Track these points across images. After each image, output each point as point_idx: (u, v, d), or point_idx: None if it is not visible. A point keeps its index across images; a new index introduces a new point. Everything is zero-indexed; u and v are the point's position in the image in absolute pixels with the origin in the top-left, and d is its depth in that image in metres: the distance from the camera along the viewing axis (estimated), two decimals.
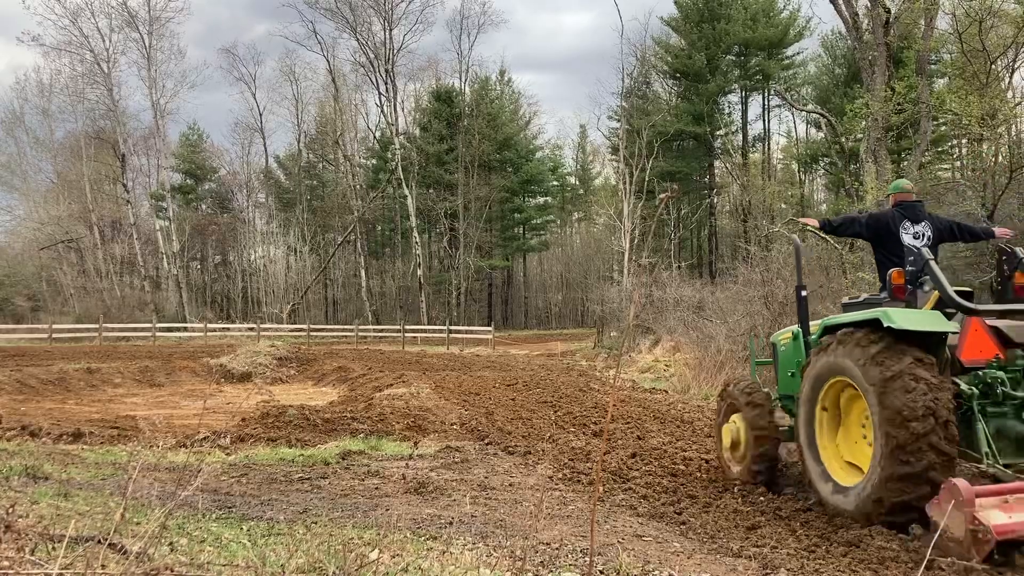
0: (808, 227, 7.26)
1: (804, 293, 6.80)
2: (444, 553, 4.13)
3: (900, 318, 5.05)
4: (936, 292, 5.40)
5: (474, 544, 4.52)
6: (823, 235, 7.34)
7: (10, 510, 3.23)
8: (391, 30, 48.41)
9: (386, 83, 48.85)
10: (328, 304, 59.07)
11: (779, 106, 52.06)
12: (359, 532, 4.67)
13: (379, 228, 59.86)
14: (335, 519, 5.14)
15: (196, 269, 61.31)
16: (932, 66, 27.45)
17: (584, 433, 10.33)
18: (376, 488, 6.75)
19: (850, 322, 5.51)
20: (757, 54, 49.14)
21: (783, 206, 47.29)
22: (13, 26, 60.39)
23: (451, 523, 5.13)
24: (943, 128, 32.40)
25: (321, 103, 58.48)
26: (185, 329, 40.06)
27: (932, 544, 3.93)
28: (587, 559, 4.06)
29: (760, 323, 15.95)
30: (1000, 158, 14.57)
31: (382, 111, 50.99)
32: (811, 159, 50.47)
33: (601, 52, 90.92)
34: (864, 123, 21.39)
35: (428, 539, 4.61)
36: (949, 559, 4.39)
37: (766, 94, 51.78)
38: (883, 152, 20.37)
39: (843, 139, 26.28)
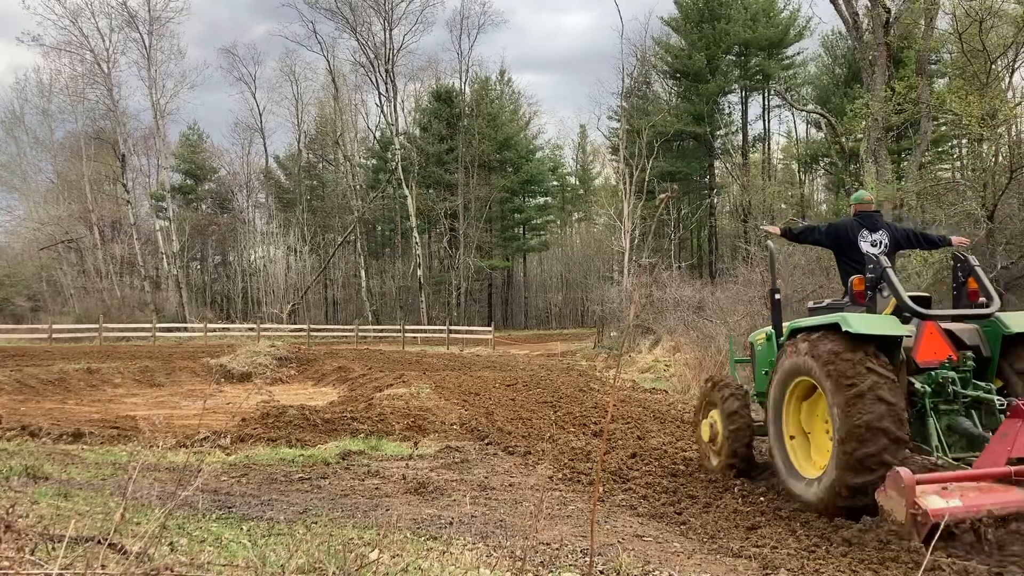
0: (771, 234, 7.81)
1: (778, 296, 7.15)
2: (444, 553, 4.13)
3: (857, 322, 5.41)
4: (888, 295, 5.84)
5: (474, 544, 4.52)
6: (786, 240, 7.77)
7: (10, 510, 3.23)
8: (391, 30, 48.45)
9: (386, 83, 48.88)
10: (328, 304, 59.07)
11: (779, 106, 52.09)
12: (359, 532, 4.67)
13: (379, 228, 59.85)
14: (335, 519, 5.14)
15: (196, 269, 61.29)
16: (932, 66, 27.45)
17: (584, 433, 10.33)
18: (376, 488, 6.75)
19: (813, 325, 5.87)
20: (757, 54, 49.13)
21: (783, 206, 47.28)
22: (13, 26, 60.39)
23: (451, 523, 5.13)
24: (943, 128, 32.37)
25: (321, 103, 58.51)
26: (185, 329, 40.05)
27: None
28: (587, 559, 4.06)
29: (760, 323, 15.95)
30: (1000, 158, 14.56)
31: (382, 111, 51.04)
32: (811, 159, 50.46)
33: (601, 52, 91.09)
34: (864, 123, 21.39)
35: (428, 539, 4.61)
36: (950, 559, 4.46)
37: (766, 94, 51.79)
38: (883, 152, 20.37)
39: (843, 139, 26.29)
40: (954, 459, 5.36)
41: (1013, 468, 4.80)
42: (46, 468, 6.69)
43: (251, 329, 37.38)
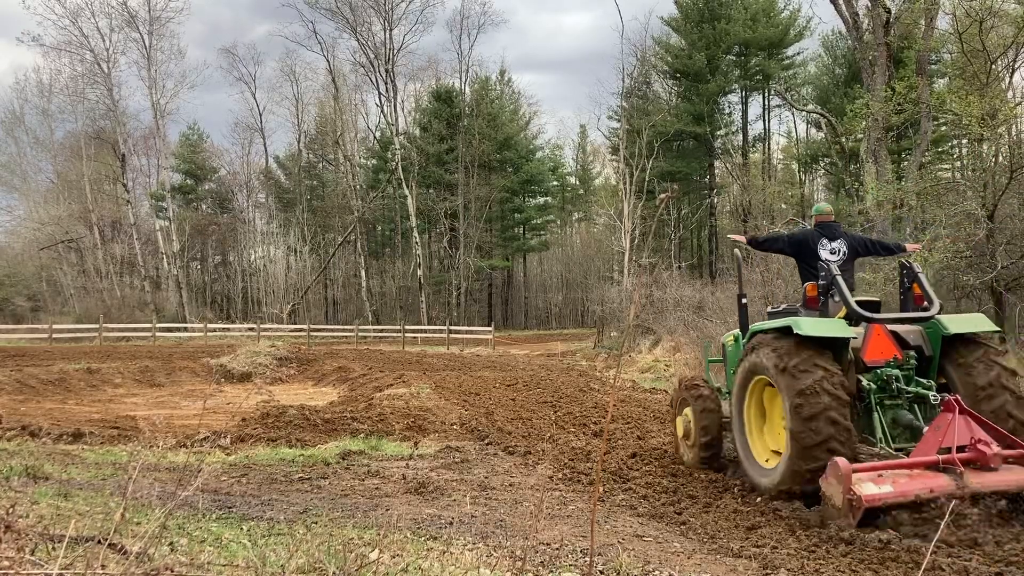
0: (737, 242, 8.10)
1: (744, 301, 7.66)
2: (444, 553, 4.13)
3: (807, 326, 5.90)
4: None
5: (474, 544, 4.52)
6: (751, 249, 8.36)
7: (10, 510, 3.23)
8: (391, 30, 48.45)
9: (386, 83, 48.88)
10: (328, 304, 59.06)
11: (779, 106, 52.09)
12: (359, 532, 4.68)
13: (379, 228, 59.85)
14: (335, 519, 5.14)
15: (196, 269, 61.30)
16: (932, 66, 27.46)
17: (584, 433, 10.33)
18: (376, 488, 6.75)
19: (770, 328, 6.35)
20: (757, 54, 49.12)
21: (783, 206, 47.28)
22: (14, 26, 60.36)
23: (451, 523, 5.13)
24: (943, 128, 32.37)
25: (321, 103, 58.51)
26: (185, 329, 40.05)
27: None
28: (587, 559, 4.06)
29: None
30: (1000, 158, 14.55)
31: (382, 111, 51.04)
32: (811, 159, 50.47)
33: (601, 52, 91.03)
34: (864, 123, 21.38)
35: (428, 539, 4.62)
36: (950, 559, 4.48)
37: (766, 94, 51.79)
38: (883, 152, 20.37)
39: (843, 139, 26.29)
40: (896, 449, 5.77)
41: (941, 457, 5.21)
42: (46, 468, 6.69)
43: (251, 329, 37.38)
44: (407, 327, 38.90)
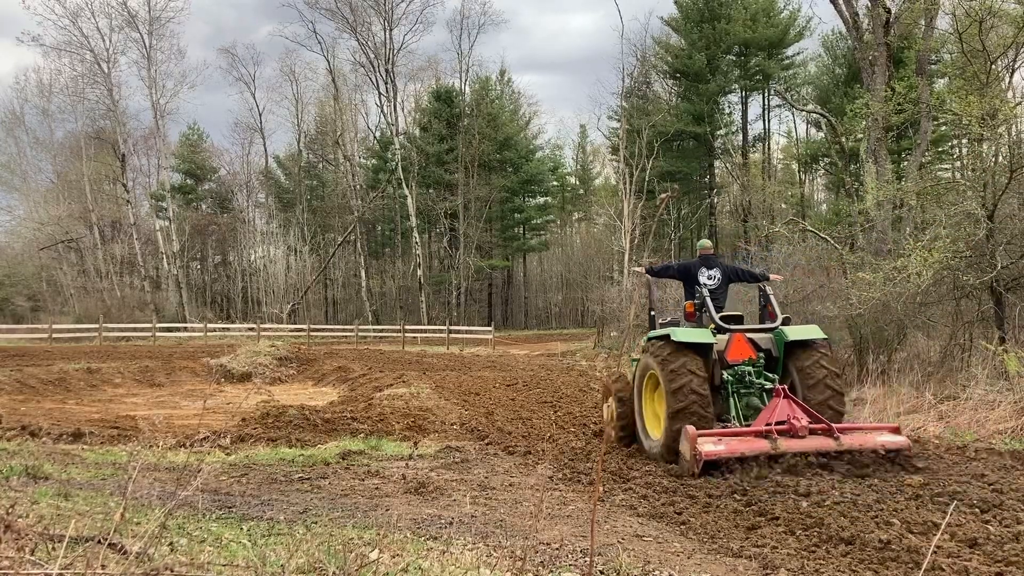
0: (637, 271, 10.42)
1: (653, 313, 9.25)
2: (444, 553, 4.13)
3: (680, 334, 7.79)
4: (718, 315, 8.26)
5: (474, 544, 4.52)
6: (650, 275, 9.84)
7: (10, 510, 3.23)
8: (391, 30, 48.45)
9: (386, 83, 48.87)
10: (328, 304, 59.05)
11: (779, 106, 52.06)
12: (359, 532, 4.68)
13: (379, 228, 59.83)
14: (335, 519, 5.14)
15: (196, 269, 61.29)
16: (932, 66, 27.45)
17: (584, 433, 10.33)
18: (376, 488, 6.75)
19: (657, 335, 8.24)
20: (757, 54, 49.10)
21: (783, 206, 47.29)
22: (14, 26, 60.37)
23: (451, 523, 5.13)
24: (943, 128, 32.41)
25: (321, 103, 58.51)
26: (185, 329, 40.06)
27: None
28: (587, 559, 4.06)
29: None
30: (1000, 158, 14.53)
31: (382, 111, 51.04)
32: (811, 159, 50.44)
33: (602, 52, 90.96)
34: (864, 123, 21.37)
35: (428, 539, 4.61)
36: (950, 559, 4.50)
37: (766, 94, 51.77)
38: (883, 152, 20.34)
39: (843, 139, 26.28)
40: (745, 424, 7.57)
41: (764, 428, 7.05)
42: (46, 468, 6.69)
43: (251, 329, 37.38)
44: (407, 327, 38.90)
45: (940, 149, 40.60)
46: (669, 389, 7.52)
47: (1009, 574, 4.33)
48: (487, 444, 9.45)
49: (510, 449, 9.08)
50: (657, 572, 4.15)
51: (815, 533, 5.20)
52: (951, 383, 11.42)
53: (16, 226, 53.01)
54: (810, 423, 7.08)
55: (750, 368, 7.91)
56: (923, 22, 20.16)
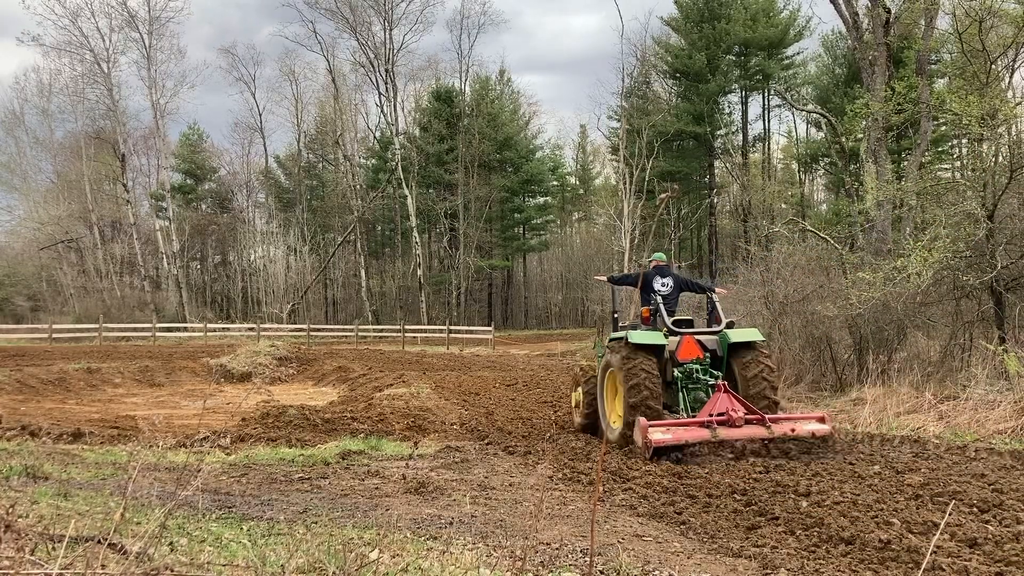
0: (601, 281, 12.08)
1: (616, 316, 10.34)
2: (444, 553, 4.13)
3: (635, 336, 8.81)
4: (671, 319, 9.36)
5: (474, 544, 4.52)
6: (611, 284, 11.19)
7: (10, 510, 3.23)
8: (391, 30, 48.44)
9: (386, 83, 48.86)
10: (328, 304, 59.03)
11: (779, 106, 52.07)
12: (359, 532, 4.68)
13: (379, 228, 59.82)
14: (335, 519, 5.14)
15: (196, 269, 61.27)
16: (932, 66, 27.44)
17: (584, 433, 10.33)
18: (376, 488, 6.75)
19: (617, 337, 9.36)
20: (757, 54, 49.08)
21: (783, 206, 47.31)
22: (15, 27, 60.38)
23: (451, 523, 5.13)
24: (943, 128, 32.38)
25: (321, 103, 58.49)
26: (185, 329, 40.05)
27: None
28: (587, 559, 4.06)
29: (760, 323, 15.94)
30: (1000, 158, 14.53)
31: (382, 111, 51.02)
32: (811, 159, 50.45)
33: (602, 53, 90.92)
34: (864, 123, 21.37)
35: (428, 539, 4.61)
36: (950, 559, 4.51)
37: (766, 94, 51.76)
38: (883, 152, 20.35)
39: (843, 139, 26.26)
40: (691, 416, 8.49)
41: (706, 418, 8.00)
42: (46, 468, 6.69)
43: (251, 329, 37.38)
44: (407, 327, 38.89)
45: (940, 149, 40.61)
46: (626, 385, 8.55)
47: (1009, 574, 4.33)
48: (487, 444, 9.45)
49: (510, 449, 9.08)
50: (657, 572, 4.15)
51: (815, 533, 5.20)
52: (951, 383, 11.42)
53: (16, 226, 53.07)
54: (746, 414, 8.08)
55: (697, 366, 8.96)
56: (923, 22, 20.16)
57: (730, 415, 7.97)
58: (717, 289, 10.85)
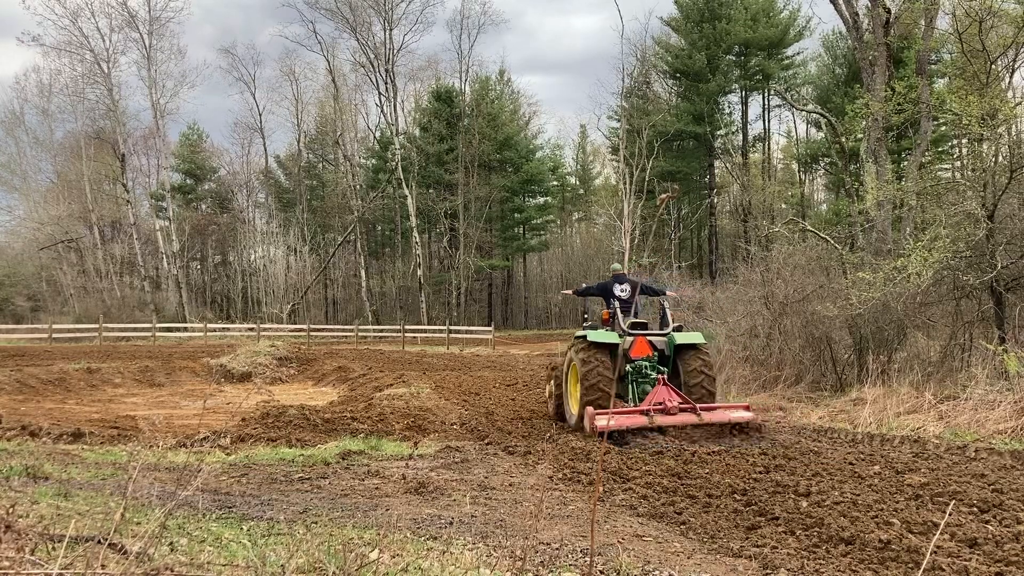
0: (565, 293, 14.20)
1: (587, 318, 11.96)
2: (444, 553, 4.13)
3: (593, 336, 10.22)
4: (628, 320, 10.63)
5: (474, 544, 4.52)
6: (576, 296, 12.27)
7: (10, 510, 3.23)
8: (391, 30, 48.47)
9: (386, 83, 48.87)
10: (328, 304, 59.02)
11: (779, 106, 52.08)
12: (359, 532, 4.68)
13: (379, 228, 59.81)
14: (335, 519, 5.14)
15: (196, 269, 61.28)
16: (932, 66, 27.43)
17: (584, 433, 10.32)
18: (376, 488, 6.75)
19: (579, 336, 10.65)
20: (757, 54, 49.09)
21: (783, 206, 47.32)
22: (15, 27, 60.40)
23: (451, 523, 5.13)
24: (943, 128, 32.37)
25: (321, 103, 58.48)
26: (185, 329, 40.05)
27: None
28: (587, 559, 4.06)
29: (760, 323, 15.94)
30: (1000, 158, 14.53)
31: (382, 111, 51.04)
32: (811, 159, 50.44)
33: (603, 53, 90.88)
34: (864, 123, 21.37)
35: (428, 539, 4.61)
36: (950, 559, 4.52)
37: (766, 94, 51.76)
38: (883, 152, 20.34)
39: (843, 139, 26.26)
40: (637, 405, 9.77)
41: (644, 407, 9.38)
42: (46, 468, 6.69)
43: (251, 329, 37.38)
44: (407, 327, 38.89)
45: (940, 149, 40.59)
46: (582, 377, 9.89)
47: (1009, 574, 4.33)
48: (487, 444, 9.45)
49: (510, 449, 9.08)
50: (657, 572, 4.15)
51: (815, 533, 5.20)
52: (951, 383, 11.42)
53: (16, 226, 53.05)
54: (680, 404, 9.43)
55: (647, 363, 10.25)
56: (923, 22, 20.15)
57: (666, 404, 9.30)
58: (669, 293, 12.37)
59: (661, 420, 9.15)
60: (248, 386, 18.36)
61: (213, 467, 7.44)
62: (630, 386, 10.21)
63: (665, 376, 10.02)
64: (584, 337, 10.29)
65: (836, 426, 10.62)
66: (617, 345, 10.15)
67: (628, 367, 10.25)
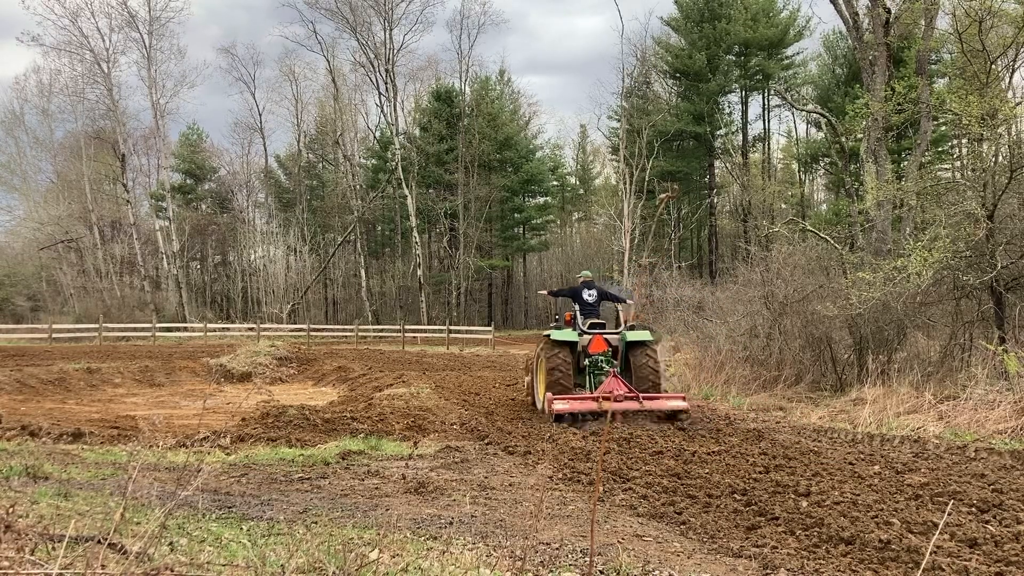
0: (541, 294, 16.53)
1: (557, 318, 13.08)
2: (444, 553, 4.13)
3: (556, 334, 11.71)
4: (588, 321, 12.13)
5: (474, 544, 4.52)
6: (552, 297, 14.22)
7: (10, 510, 3.23)
8: (391, 30, 48.45)
9: (386, 83, 48.85)
10: (328, 304, 59.01)
11: (779, 106, 52.03)
12: (359, 532, 4.68)
13: (379, 228, 59.78)
14: (335, 519, 5.14)
15: (196, 269, 61.25)
16: (932, 66, 27.44)
17: (584, 433, 10.32)
18: (376, 488, 6.74)
19: (546, 333, 12.15)
20: (757, 54, 49.07)
21: (783, 206, 47.32)
22: (15, 27, 60.40)
23: (451, 523, 5.13)
24: (943, 128, 32.39)
25: (321, 103, 58.48)
26: (185, 329, 40.04)
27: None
28: (587, 559, 4.06)
29: (760, 323, 15.94)
30: (1000, 158, 14.53)
31: (382, 111, 51.02)
32: (811, 159, 50.43)
33: (603, 53, 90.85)
34: (864, 123, 21.37)
35: (428, 539, 4.61)
36: (950, 559, 4.52)
37: (766, 94, 51.73)
38: (883, 152, 20.35)
39: (843, 139, 26.28)
40: (592, 393, 11.10)
41: (595, 395, 10.86)
42: (46, 468, 6.69)
43: (251, 329, 37.38)
44: (407, 327, 38.89)
45: (940, 149, 40.60)
46: (545, 369, 11.52)
47: (1009, 574, 4.33)
48: (487, 444, 9.45)
49: (510, 449, 9.08)
50: (657, 572, 4.15)
51: (815, 533, 5.20)
52: (951, 383, 11.42)
53: (16, 226, 53.05)
54: (626, 393, 10.79)
55: (602, 358, 11.62)
56: (923, 22, 20.15)
57: (613, 393, 10.69)
58: (628, 300, 14.39)
59: (608, 405, 10.46)
60: (248, 386, 18.36)
61: (213, 467, 7.44)
62: (588, 377, 11.63)
63: (617, 369, 11.41)
64: (549, 335, 11.83)
65: (836, 426, 10.63)
66: (576, 343, 11.68)
67: (586, 361, 11.72)
